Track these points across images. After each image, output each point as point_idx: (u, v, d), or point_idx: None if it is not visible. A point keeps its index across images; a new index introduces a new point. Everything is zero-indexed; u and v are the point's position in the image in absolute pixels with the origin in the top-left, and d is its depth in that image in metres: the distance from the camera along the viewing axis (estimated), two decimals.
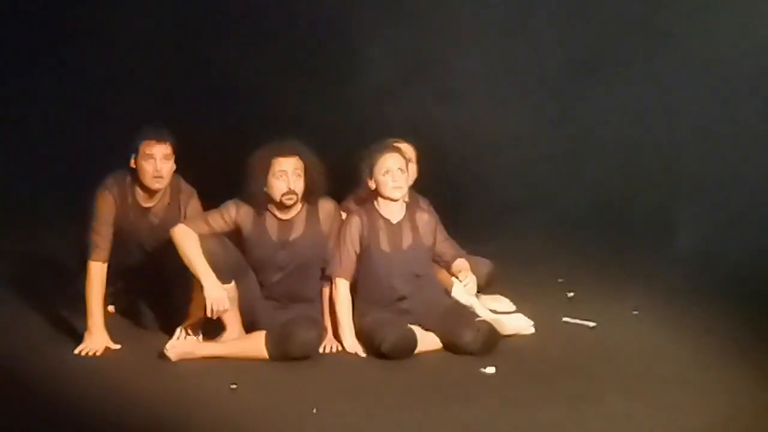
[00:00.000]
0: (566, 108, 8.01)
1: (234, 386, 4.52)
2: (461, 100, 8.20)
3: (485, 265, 5.70)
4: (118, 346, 5.02)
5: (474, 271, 5.32)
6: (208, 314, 4.89)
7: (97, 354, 4.95)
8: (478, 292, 5.55)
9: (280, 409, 4.33)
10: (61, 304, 5.53)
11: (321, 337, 5.07)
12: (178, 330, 4.98)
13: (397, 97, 8.11)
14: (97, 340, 4.99)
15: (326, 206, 5.19)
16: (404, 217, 5.25)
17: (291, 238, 5.12)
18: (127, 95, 8.62)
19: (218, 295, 4.88)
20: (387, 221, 5.21)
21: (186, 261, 4.92)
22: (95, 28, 8.95)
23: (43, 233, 7.29)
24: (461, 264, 5.30)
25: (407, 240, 5.21)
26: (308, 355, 4.95)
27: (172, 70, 8.84)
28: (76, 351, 4.96)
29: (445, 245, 5.35)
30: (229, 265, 4.98)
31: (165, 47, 8.82)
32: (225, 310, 4.92)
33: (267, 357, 4.91)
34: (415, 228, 5.24)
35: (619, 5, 7.71)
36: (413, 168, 5.64)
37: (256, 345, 4.93)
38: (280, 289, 5.14)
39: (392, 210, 5.23)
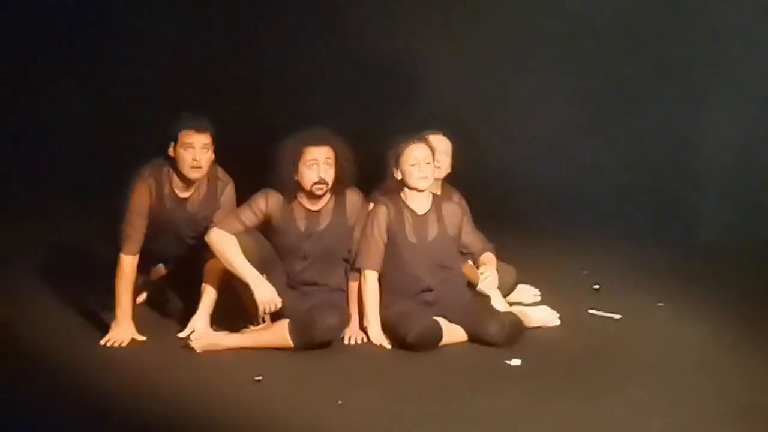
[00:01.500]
0: (596, 108, 8.01)
1: (259, 378, 4.53)
2: (498, 104, 8.24)
3: (510, 273, 5.59)
4: (144, 338, 5.03)
5: (498, 278, 5.28)
6: (260, 314, 4.90)
7: (123, 345, 4.95)
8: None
9: (305, 401, 4.34)
10: (89, 295, 5.53)
11: (344, 323, 5.07)
12: (190, 323, 5.04)
13: (434, 97, 8.11)
14: (123, 331, 4.99)
15: (353, 198, 5.18)
16: (431, 208, 5.24)
17: (318, 229, 5.13)
18: (160, 87, 8.60)
19: (269, 297, 4.89)
20: (413, 212, 5.20)
21: (228, 265, 4.92)
22: (133, 21, 8.97)
23: (72, 223, 7.31)
24: (487, 258, 5.28)
25: (433, 231, 5.20)
26: (332, 341, 4.97)
27: (209, 66, 8.84)
28: (103, 341, 4.96)
29: (471, 237, 5.33)
30: (262, 261, 4.98)
31: (206, 45, 8.84)
32: (277, 308, 4.92)
33: (291, 345, 4.91)
34: (441, 219, 5.23)
35: (653, 21, 7.75)
36: (447, 161, 5.59)
37: (280, 334, 4.93)
38: (302, 278, 5.14)
39: (418, 201, 5.22)
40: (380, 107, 8.17)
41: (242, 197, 5.21)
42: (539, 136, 8.15)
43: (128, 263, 5.06)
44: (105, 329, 5.04)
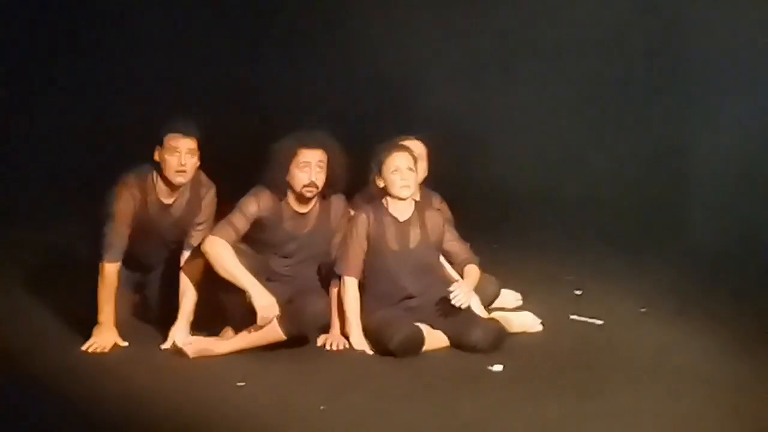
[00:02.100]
0: (591, 115, 8.05)
1: (241, 384, 4.53)
2: (496, 109, 8.27)
3: (493, 284, 5.59)
4: (126, 343, 5.01)
5: (481, 289, 5.30)
6: (260, 323, 4.86)
7: (105, 350, 4.93)
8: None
9: (287, 406, 4.34)
10: (71, 299, 5.50)
11: (329, 307, 5.09)
12: (170, 334, 5.02)
13: (432, 102, 8.13)
14: (105, 337, 4.97)
15: (338, 203, 5.19)
16: (413, 215, 5.24)
17: (303, 232, 5.12)
18: (160, 88, 8.56)
19: (267, 303, 4.86)
20: (395, 219, 5.20)
21: (226, 275, 4.89)
22: (120, 25, 8.95)
23: (55, 227, 7.29)
24: (469, 271, 5.25)
25: (415, 238, 5.20)
26: (322, 325, 5.04)
27: (208, 67, 8.83)
28: (84, 347, 4.94)
29: (455, 246, 5.31)
30: (255, 266, 4.97)
31: (203, 47, 8.84)
32: (276, 316, 4.89)
33: (283, 337, 4.90)
34: (423, 226, 5.23)
35: (653, 30, 7.82)
36: (423, 165, 5.60)
37: (270, 328, 4.90)
38: (282, 273, 5.13)
39: (400, 208, 5.22)
40: (379, 109, 8.16)
41: (236, 197, 5.14)
42: (532, 143, 8.18)
43: (111, 271, 5.03)
44: (87, 335, 5.00)
